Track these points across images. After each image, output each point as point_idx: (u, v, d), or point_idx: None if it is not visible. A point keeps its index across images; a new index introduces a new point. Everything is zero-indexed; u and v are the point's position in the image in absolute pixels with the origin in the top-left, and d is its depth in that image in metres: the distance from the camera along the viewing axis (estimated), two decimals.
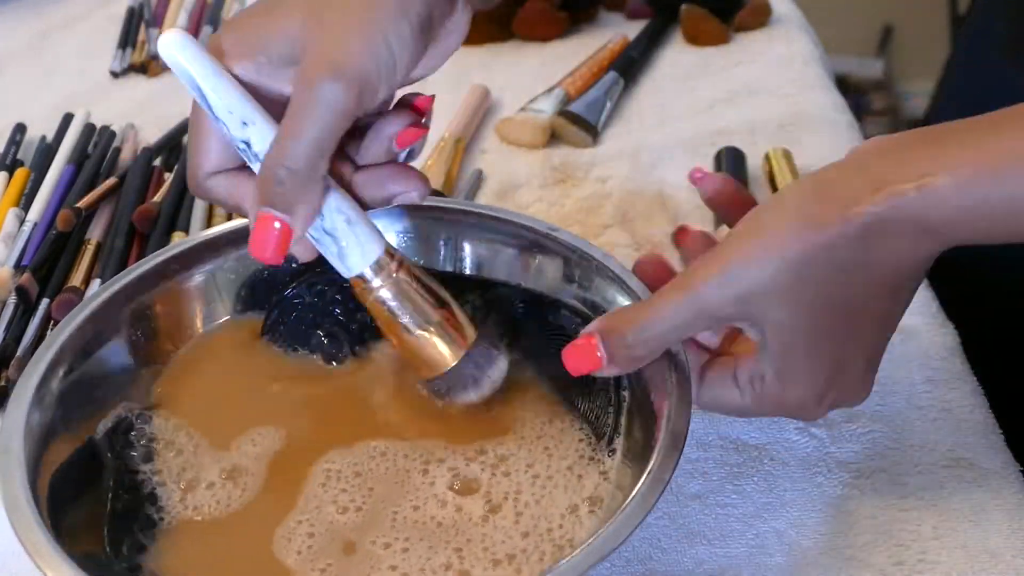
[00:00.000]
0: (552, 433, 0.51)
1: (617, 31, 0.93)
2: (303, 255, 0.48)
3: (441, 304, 0.50)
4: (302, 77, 0.44)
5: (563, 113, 0.81)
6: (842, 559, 0.50)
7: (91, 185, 0.75)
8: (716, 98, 0.85)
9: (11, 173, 0.78)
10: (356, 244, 0.47)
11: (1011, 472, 0.53)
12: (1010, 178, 0.41)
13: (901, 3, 2.20)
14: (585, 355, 0.47)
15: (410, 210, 0.57)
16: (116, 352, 0.53)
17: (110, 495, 0.49)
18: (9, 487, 0.44)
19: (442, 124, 0.81)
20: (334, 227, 0.47)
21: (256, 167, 0.45)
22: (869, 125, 2.10)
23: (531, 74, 0.90)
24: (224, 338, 0.57)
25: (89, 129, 0.84)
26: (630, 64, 0.88)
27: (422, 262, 0.57)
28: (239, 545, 0.48)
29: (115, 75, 0.95)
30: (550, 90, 0.84)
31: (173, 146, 0.82)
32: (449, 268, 0.57)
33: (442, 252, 0.57)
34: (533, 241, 0.56)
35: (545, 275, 0.56)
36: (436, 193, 0.71)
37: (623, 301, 0.52)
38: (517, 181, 0.77)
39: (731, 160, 0.75)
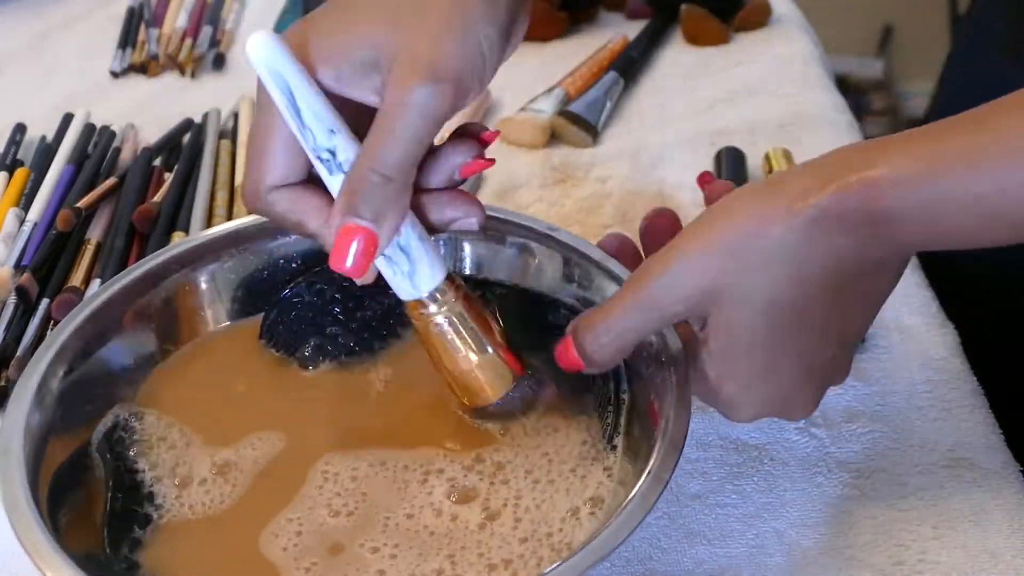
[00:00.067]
0: (552, 434, 0.51)
1: (617, 31, 0.93)
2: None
3: (495, 332, 0.49)
4: (396, 81, 0.42)
5: (563, 113, 0.81)
6: (842, 559, 0.50)
7: (91, 185, 0.75)
8: (716, 98, 0.85)
9: (11, 173, 0.78)
10: (427, 263, 0.46)
11: (1011, 472, 0.53)
12: (945, 178, 0.41)
13: (901, 3, 2.20)
14: (566, 355, 0.48)
15: None
16: (116, 352, 0.53)
17: (108, 495, 0.49)
18: (9, 487, 0.44)
19: None
20: (408, 243, 0.46)
21: (337, 178, 0.44)
22: (869, 125, 2.10)
23: (531, 74, 0.90)
24: (225, 338, 0.57)
25: (89, 129, 0.84)
26: (630, 64, 0.88)
27: None
28: (230, 541, 0.48)
29: (115, 75, 0.95)
30: (550, 90, 0.84)
31: (173, 146, 0.82)
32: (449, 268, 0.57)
33: (442, 251, 0.57)
34: (533, 241, 0.56)
35: (545, 275, 0.56)
36: None
37: None
38: (517, 181, 0.77)
39: (731, 160, 0.75)
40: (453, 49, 0.43)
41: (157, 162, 0.79)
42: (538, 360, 0.53)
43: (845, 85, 2.03)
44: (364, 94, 0.45)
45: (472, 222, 0.47)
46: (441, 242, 0.57)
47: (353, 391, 0.54)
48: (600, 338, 0.46)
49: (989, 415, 0.56)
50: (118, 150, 0.80)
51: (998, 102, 0.42)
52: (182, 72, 0.94)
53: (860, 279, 0.44)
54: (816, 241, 0.42)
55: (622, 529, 0.41)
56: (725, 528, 0.51)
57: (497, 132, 0.48)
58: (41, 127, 0.85)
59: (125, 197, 0.73)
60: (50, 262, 0.68)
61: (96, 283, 0.66)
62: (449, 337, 0.48)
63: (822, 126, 0.80)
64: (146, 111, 0.89)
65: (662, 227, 0.46)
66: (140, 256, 0.68)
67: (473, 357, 0.48)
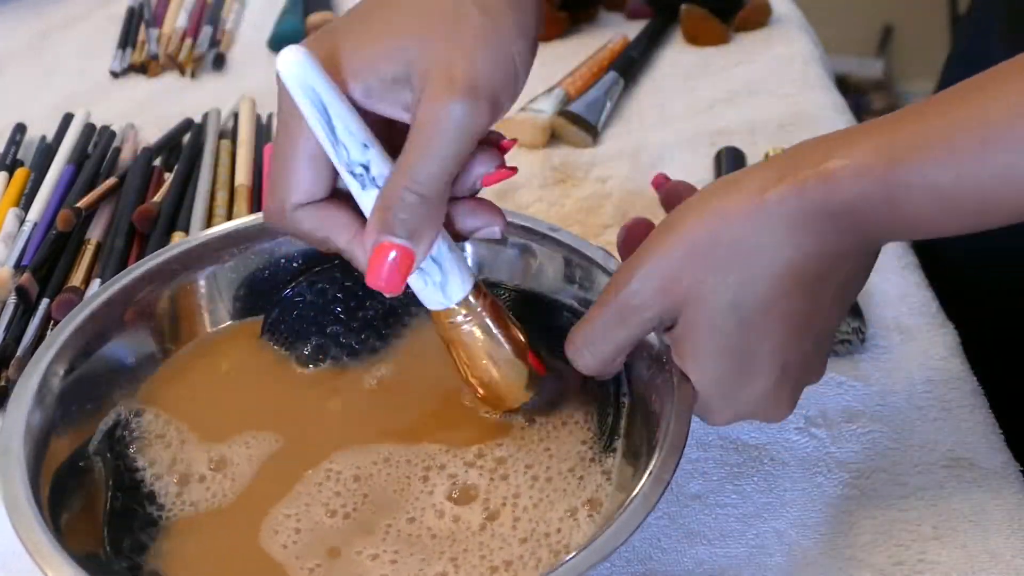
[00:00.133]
0: (552, 434, 0.51)
1: (617, 31, 0.93)
2: None
3: (518, 335, 0.49)
4: (431, 97, 0.42)
5: (563, 113, 0.81)
6: (842, 559, 0.50)
7: (91, 185, 0.75)
8: (716, 98, 0.85)
9: (11, 173, 0.78)
10: (457, 272, 0.46)
11: (1011, 472, 0.53)
12: (901, 167, 0.40)
13: (901, 3, 2.20)
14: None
15: None
16: (116, 352, 0.53)
17: (109, 493, 0.49)
18: (9, 487, 0.44)
19: None
20: (440, 254, 0.45)
21: (371, 193, 0.43)
22: None
23: (531, 74, 0.89)
24: (225, 338, 0.57)
25: (89, 129, 0.84)
26: (630, 64, 0.88)
27: None
28: (231, 539, 0.48)
29: (115, 75, 0.95)
30: (550, 90, 0.84)
31: (173, 146, 0.82)
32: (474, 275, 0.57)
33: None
34: (534, 241, 0.56)
35: (546, 276, 0.56)
36: None
37: None
38: (517, 181, 0.77)
39: (731, 160, 0.75)
40: (488, 65, 0.42)
41: (157, 162, 0.79)
42: (551, 357, 0.53)
43: (845, 85, 2.03)
44: (393, 109, 0.44)
45: (495, 230, 0.47)
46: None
47: (353, 390, 0.54)
48: (582, 352, 0.47)
49: (989, 415, 0.56)
50: (118, 150, 0.80)
51: (952, 90, 0.42)
52: (182, 72, 0.94)
53: (828, 273, 0.44)
54: (778, 237, 0.42)
55: (623, 529, 0.41)
56: (725, 528, 0.51)
57: (514, 140, 0.48)
58: (41, 127, 0.85)
59: (125, 197, 0.73)
60: (50, 262, 0.68)
61: (96, 283, 0.66)
62: (479, 345, 0.48)
63: (822, 126, 0.80)
64: (146, 111, 0.89)
65: (639, 236, 0.46)
66: (140, 256, 0.68)
67: (501, 364, 0.49)
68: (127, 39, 0.98)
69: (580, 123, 0.81)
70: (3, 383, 0.60)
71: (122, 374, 0.53)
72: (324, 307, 0.56)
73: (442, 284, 0.46)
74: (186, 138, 0.82)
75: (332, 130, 0.42)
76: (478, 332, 0.47)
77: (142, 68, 0.95)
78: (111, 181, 0.74)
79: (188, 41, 0.96)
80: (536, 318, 0.55)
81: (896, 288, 0.64)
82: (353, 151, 0.43)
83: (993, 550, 0.49)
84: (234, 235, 0.57)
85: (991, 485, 0.52)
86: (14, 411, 0.47)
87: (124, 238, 0.69)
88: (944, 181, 0.40)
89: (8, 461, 0.45)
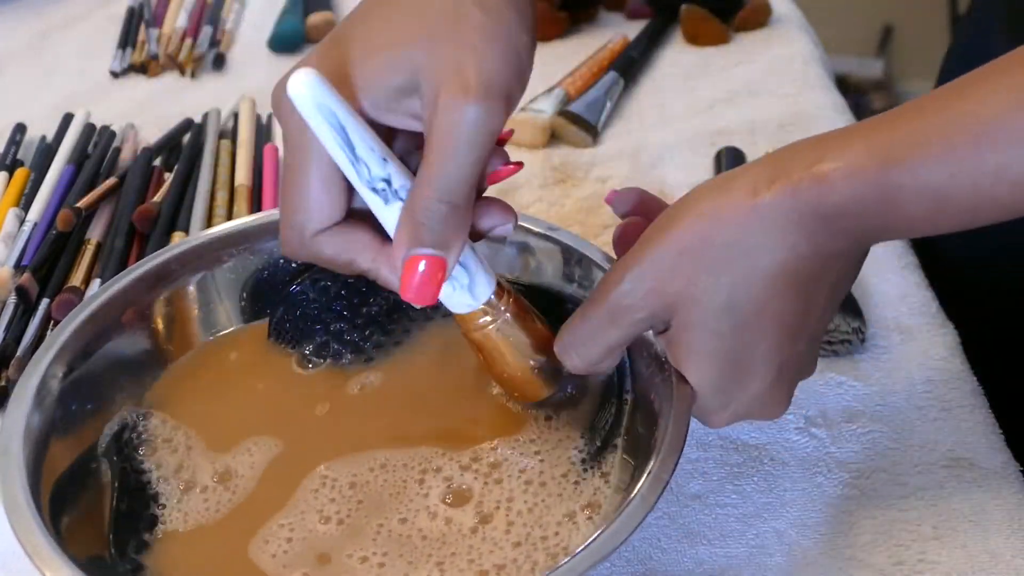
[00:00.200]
0: (551, 435, 0.51)
1: (617, 31, 0.93)
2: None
3: (541, 327, 0.49)
4: (448, 103, 0.41)
5: (563, 113, 0.81)
6: (842, 559, 0.50)
7: (91, 185, 0.75)
8: (716, 98, 0.85)
9: (11, 173, 0.78)
10: (482, 272, 0.46)
11: (1011, 472, 0.53)
12: (895, 167, 0.40)
13: (901, 3, 2.20)
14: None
15: None
16: (116, 353, 0.53)
17: (116, 496, 0.49)
18: (9, 488, 0.44)
19: None
20: (466, 257, 0.45)
21: (394, 207, 0.43)
22: None
23: (531, 74, 0.89)
24: (225, 338, 0.57)
25: (89, 129, 0.84)
26: (630, 64, 0.88)
27: None
28: (224, 546, 0.47)
29: (115, 75, 0.95)
30: (550, 90, 0.84)
31: (173, 146, 0.82)
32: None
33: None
34: (533, 241, 0.56)
35: (544, 275, 0.56)
36: None
37: None
38: (517, 181, 0.77)
39: (731, 160, 0.75)
40: (498, 64, 0.42)
41: (157, 162, 0.79)
42: None
43: (845, 85, 2.03)
44: (401, 119, 0.44)
45: (508, 228, 0.47)
46: None
47: (354, 391, 0.54)
48: (569, 351, 0.47)
49: (989, 415, 0.56)
50: (118, 150, 0.80)
51: (946, 87, 0.42)
52: (182, 72, 0.94)
53: (821, 273, 0.44)
54: (772, 238, 0.42)
55: (623, 529, 0.41)
56: (725, 528, 0.51)
57: (511, 131, 0.48)
58: (41, 127, 0.85)
59: (125, 197, 0.73)
60: (50, 262, 0.68)
61: (96, 283, 0.66)
62: (508, 342, 0.48)
63: (822, 126, 0.80)
64: (146, 111, 0.89)
65: (634, 235, 0.46)
66: (140, 256, 0.68)
67: (528, 358, 0.48)
68: (127, 39, 0.98)
69: (580, 123, 0.81)
70: (3, 383, 0.60)
71: (122, 375, 0.53)
72: (328, 304, 0.56)
73: (470, 286, 0.46)
74: (186, 138, 0.82)
75: (352, 149, 0.41)
76: (506, 329, 0.47)
77: (142, 68, 0.95)
78: (111, 181, 0.74)
79: (188, 41, 0.96)
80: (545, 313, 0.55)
81: (896, 288, 0.64)
82: (374, 167, 0.42)
83: (993, 550, 0.49)
84: (234, 235, 0.57)
85: (991, 485, 0.52)
86: (14, 412, 0.47)
87: (124, 238, 0.69)
88: (938, 180, 0.40)
89: (8, 462, 0.45)
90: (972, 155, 0.40)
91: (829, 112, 0.82)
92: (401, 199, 0.43)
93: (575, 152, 0.80)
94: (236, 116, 0.84)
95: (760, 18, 0.94)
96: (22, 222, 0.72)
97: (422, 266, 0.42)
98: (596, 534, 0.41)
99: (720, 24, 0.92)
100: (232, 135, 0.82)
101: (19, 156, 0.83)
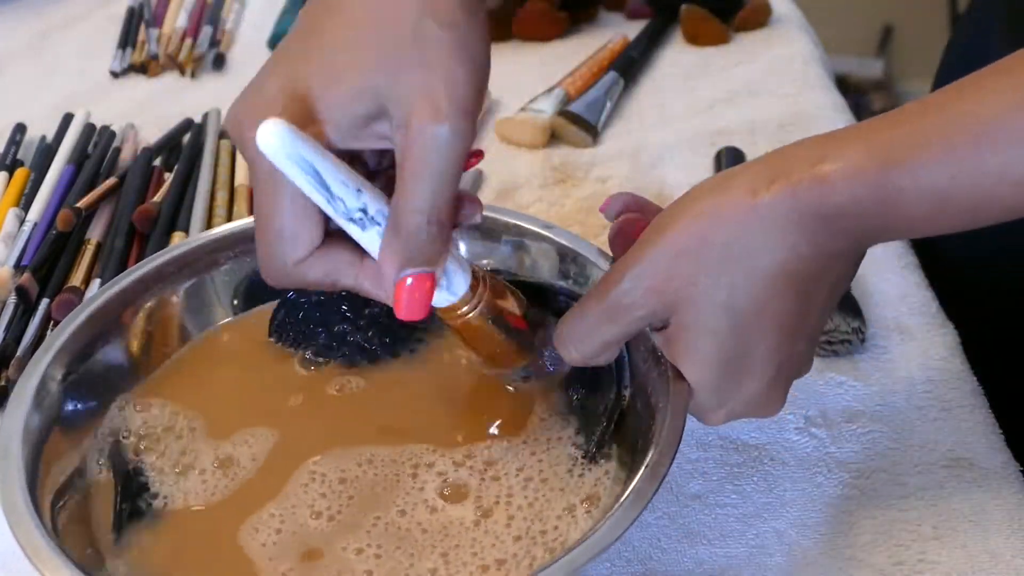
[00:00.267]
0: (549, 431, 0.51)
1: (617, 31, 0.93)
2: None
3: (516, 308, 0.50)
4: (421, 127, 0.41)
5: (563, 113, 0.81)
6: (842, 559, 0.50)
7: (91, 185, 0.75)
8: (716, 98, 0.85)
9: (11, 173, 0.78)
10: (459, 271, 0.46)
11: (1011, 472, 0.53)
12: (896, 168, 0.40)
13: (901, 3, 2.20)
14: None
15: None
16: (116, 353, 0.53)
17: (119, 488, 0.49)
18: (8, 488, 0.44)
19: None
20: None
21: (372, 231, 0.43)
22: None
23: (531, 74, 0.90)
24: (224, 338, 0.57)
25: (89, 129, 0.84)
26: (630, 64, 0.88)
27: None
28: (213, 535, 0.48)
29: (115, 75, 0.95)
30: (550, 90, 0.84)
31: (173, 146, 0.82)
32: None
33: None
34: (530, 240, 0.56)
35: (541, 273, 0.56)
36: None
37: None
38: (517, 181, 0.77)
39: (731, 160, 0.75)
40: (462, 76, 0.42)
41: (157, 162, 0.79)
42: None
43: (845, 85, 2.03)
44: (368, 142, 0.44)
45: (476, 217, 0.47)
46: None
47: (351, 388, 0.54)
48: (568, 346, 0.47)
49: (989, 415, 0.56)
50: (118, 150, 0.80)
51: (946, 89, 0.42)
52: (182, 72, 0.94)
53: (821, 273, 0.44)
54: (771, 238, 0.42)
55: (617, 526, 0.41)
56: (725, 528, 0.51)
57: (481, 152, 0.49)
58: (41, 127, 0.85)
59: (125, 197, 0.73)
60: (50, 262, 0.68)
61: (96, 283, 0.66)
62: (486, 324, 0.48)
63: (822, 126, 0.80)
64: (146, 111, 0.89)
65: (631, 234, 0.46)
66: (140, 256, 0.68)
67: (505, 334, 0.49)
68: (127, 39, 0.98)
69: (580, 123, 0.81)
70: (3, 383, 0.60)
71: (122, 375, 0.53)
72: (330, 306, 0.56)
73: (447, 284, 0.46)
74: (186, 138, 0.82)
75: (327, 188, 0.42)
76: (484, 313, 0.48)
77: (142, 68, 0.95)
78: (111, 181, 0.74)
79: (188, 41, 0.96)
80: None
81: (896, 288, 0.64)
82: (349, 201, 0.43)
83: (993, 550, 0.49)
84: (234, 235, 0.57)
85: (991, 485, 0.52)
86: (14, 412, 0.47)
87: (124, 238, 0.69)
88: (938, 181, 0.40)
89: (7, 462, 0.45)
90: (972, 156, 0.40)
91: (829, 112, 0.82)
92: (379, 224, 0.43)
93: (575, 152, 0.80)
94: None
95: (760, 18, 0.94)
96: (22, 222, 0.72)
97: (418, 288, 0.43)
98: (591, 530, 0.41)
99: (720, 24, 0.92)
100: None
101: (19, 156, 0.83)
